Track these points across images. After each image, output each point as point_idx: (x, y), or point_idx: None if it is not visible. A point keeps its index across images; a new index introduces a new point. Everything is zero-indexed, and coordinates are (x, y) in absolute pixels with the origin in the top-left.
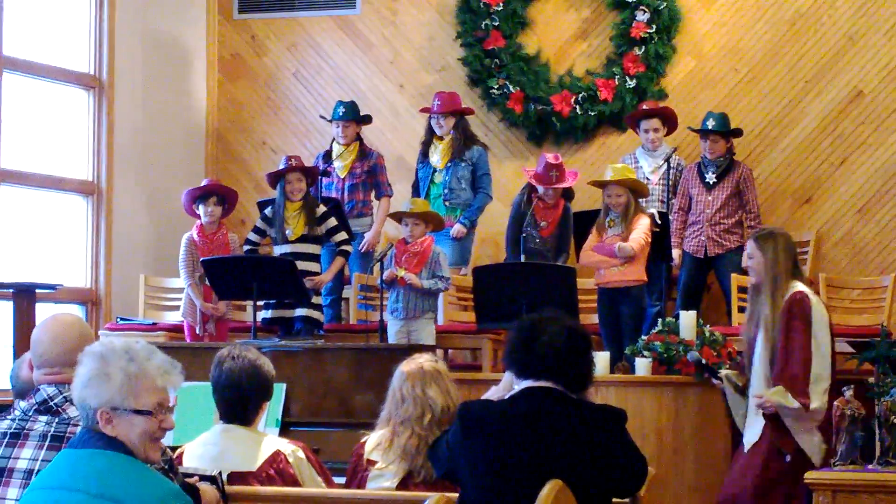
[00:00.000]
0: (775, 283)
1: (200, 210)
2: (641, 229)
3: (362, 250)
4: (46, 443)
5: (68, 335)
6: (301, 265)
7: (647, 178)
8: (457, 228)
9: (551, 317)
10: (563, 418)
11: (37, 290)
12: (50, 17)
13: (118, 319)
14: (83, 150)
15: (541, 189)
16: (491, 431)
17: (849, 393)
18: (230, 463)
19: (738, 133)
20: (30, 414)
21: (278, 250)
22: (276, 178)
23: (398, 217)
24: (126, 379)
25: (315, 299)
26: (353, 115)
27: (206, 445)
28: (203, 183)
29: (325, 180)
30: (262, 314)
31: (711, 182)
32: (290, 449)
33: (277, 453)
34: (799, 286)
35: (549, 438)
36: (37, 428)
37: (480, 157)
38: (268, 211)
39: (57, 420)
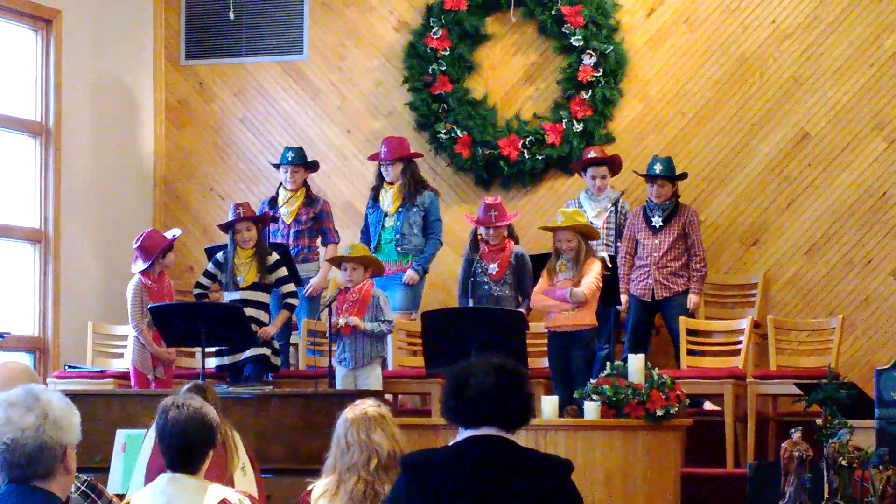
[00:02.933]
0: None
1: (167, 258)
2: (593, 274)
3: (307, 294)
4: None
5: (16, 381)
6: (250, 312)
7: (592, 223)
8: (410, 275)
9: (478, 360)
10: (508, 469)
11: None
12: None
13: (66, 367)
14: (31, 198)
15: (483, 231)
16: (435, 482)
17: (797, 435)
18: None
19: (683, 177)
20: None
21: (228, 297)
22: (227, 226)
23: (337, 261)
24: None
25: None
26: (300, 161)
27: (153, 495)
28: (147, 230)
29: (272, 226)
30: (215, 361)
31: (658, 226)
32: (237, 498)
33: (224, 502)
34: None
35: (494, 490)
36: None
37: (432, 202)
38: (220, 256)
39: None
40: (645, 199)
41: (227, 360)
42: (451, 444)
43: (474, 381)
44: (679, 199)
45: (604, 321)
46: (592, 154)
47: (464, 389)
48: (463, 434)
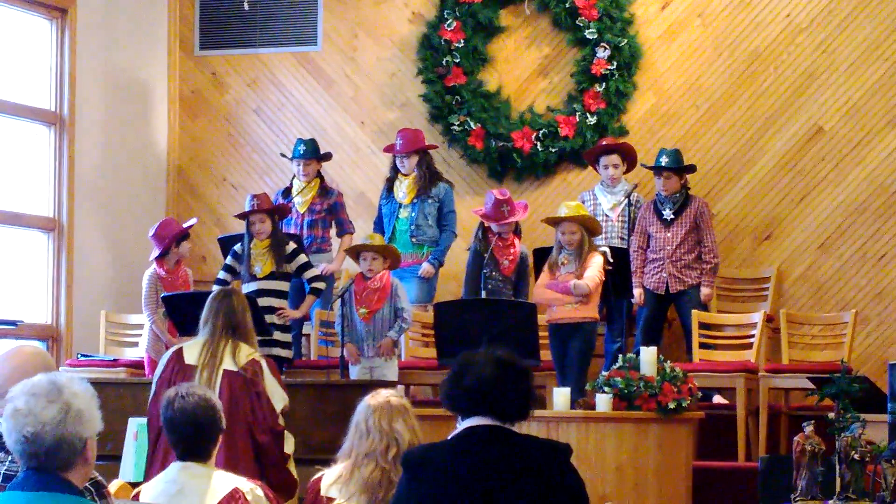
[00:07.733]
0: None
1: (182, 248)
2: (596, 267)
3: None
4: None
5: (30, 366)
6: (269, 302)
7: (607, 215)
8: (426, 269)
9: (481, 351)
10: (507, 457)
11: None
12: (10, 54)
13: (79, 356)
14: (44, 187)
15: (495, 227)
16: (436, 477)
17: (809, 428)
18: (188, 501)
19: (691, 169)
20: None
21: (246, 288)
22: (242, 217)
23: (356, 251)
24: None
25: (283, 336)
26: (313, 153)
27: (165, 483)
28: (163, 220)
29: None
30: None
31: (669, 219)
32: (249, 487)
33: (236, 491)
34: None
35: (493, 478)
36: None
37: (447, 194)
38: (237, 247)
39: (10, 458)
40: (656, 192)
41: None
42: (449, 437)
43: (473, 372)
44: (689, 192)
45: (616, 314)
46: (605, 143)
47: (462, 379)
48: (461, 425)
